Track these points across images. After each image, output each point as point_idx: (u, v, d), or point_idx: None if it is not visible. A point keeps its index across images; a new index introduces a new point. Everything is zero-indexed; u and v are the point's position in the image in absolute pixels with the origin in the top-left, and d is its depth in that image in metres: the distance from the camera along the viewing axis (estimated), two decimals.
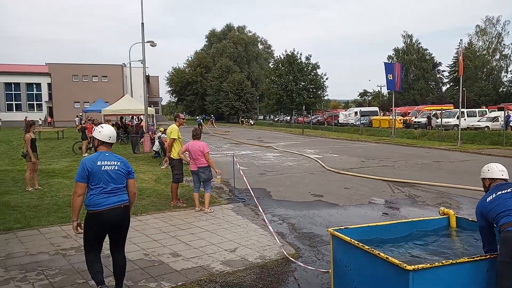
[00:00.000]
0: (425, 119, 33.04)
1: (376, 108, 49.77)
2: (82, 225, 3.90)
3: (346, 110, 51.70)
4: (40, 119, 48.74)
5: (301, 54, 53.98)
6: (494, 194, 3.40)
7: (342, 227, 3.99)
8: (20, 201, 8.20)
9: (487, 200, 3.41)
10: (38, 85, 55.98)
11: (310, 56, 54.15)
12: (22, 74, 54.94)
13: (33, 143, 9.66)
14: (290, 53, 54.08)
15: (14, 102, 55.32)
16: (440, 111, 29.51)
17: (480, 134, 24.02)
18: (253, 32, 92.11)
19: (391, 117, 31.81)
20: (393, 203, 8.67)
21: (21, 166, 13.15)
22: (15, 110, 54.60)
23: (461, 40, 23.44)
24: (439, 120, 28.24)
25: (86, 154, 17.00)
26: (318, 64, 53.97)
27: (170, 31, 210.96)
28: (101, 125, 4.24)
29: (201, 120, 46.34)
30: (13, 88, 55.05)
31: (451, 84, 73.68)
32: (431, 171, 13.14)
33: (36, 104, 56.29)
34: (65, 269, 4.73)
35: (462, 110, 31.97)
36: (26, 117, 47.63)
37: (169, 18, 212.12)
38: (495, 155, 17.43)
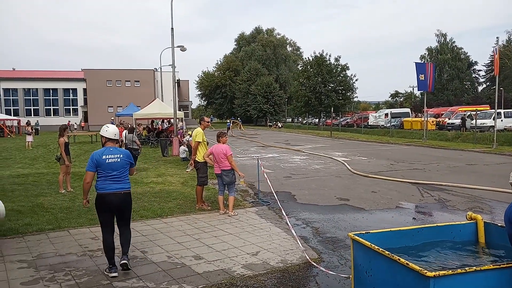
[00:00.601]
0: (459, 120, 31.92)
1: (408, 110, 48.54)
2: (93, 204, 4.97)
3: (376, 112, 50.72)
4: (75, 123, 50.67)
5: (330, 56, 53.41)
6: None
7: (363, 232, 3.91)
8: (53, 203, 8.54)
9: None
10: (74, 91, 58.27)
11: (339, 58, 53.43)
12: (60, 80, 57.38)
13: (66, 146, 10.04)
14: (318, 55, 53.59)
15: (52, 107, 57.83)
16: (475, 112, 28.40)
17: None
18: (282, 34, 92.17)
19: (423, 119, 30.94)
20: (422, 207, 8.42)
21: (56, 169, 13.69)
22: (53, 115, 57.04)
23: (497, 37, 22.65)
24: (473, 121, 27.21)
25: None
26: (347, 65, 53.18)
27: (202, 35, 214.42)
28: (107, 125, 5.17)
29: (231, 124, 46.65)
30: (51, 94, 57.57)
31: (488, 84, 70.90)
32: (463, 174, 12.67)
33: (72, 108, 58.60)
34: (91, 270, 4.89)
35: (499, 110, 30.72)
36: (69, 121, 49.82)
37: (201, 22, 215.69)
38: None
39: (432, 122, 35.04)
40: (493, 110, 25.49)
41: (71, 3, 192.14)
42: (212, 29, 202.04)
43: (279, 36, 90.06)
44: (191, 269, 4.93)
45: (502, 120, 29.75)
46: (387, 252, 3.24)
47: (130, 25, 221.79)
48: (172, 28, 19.91)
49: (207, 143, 9.86)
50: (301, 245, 5.75)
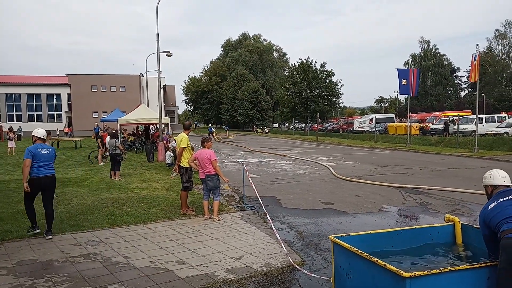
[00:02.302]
0: (442, 125, 32.50)
1: (392, 115, 49.27)
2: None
3: (361, 117, 51.31)
4: (57, 129, 49.91)
5: (315, 62, 53.96)
6: (495, 202, 3.35)
7: (344, 234, 3.97)
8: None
9: (489, 208, 3.36)
10: (58, 96, 57.40)
11: (325, 64, 54.06)
12: (43, 85, 56.48)
13: None
14: (304, 61, 54.08)
15: (35, 113, 56.83)
16: (457, 117, 28.98)
17: (498, 140, 23.51)
18: (268, 40, 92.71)
19: (407, 124, 31.43)
20: (404, 210, 8.55)
21: None
22: (36, 121, 56.05)
23: (477, 44, 23.16)
24: (456, 126, 27.75)
25: (102, 163, 17.32)
26: (333, 71, 53.81)
27: (188, 40, 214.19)
28: (38, 128, 6.98)
29: (213, 129, 46.69)
30: (34, 99, 56.61)
31: (470, 89, 72.46)
32: (446, 178, 12.91)
33: (56, 114, 57.70)
34: (73, 276, 4.83)
35: (480, 116, 31.43)
36: (65, 126, 49.04)
37: (187, 27, 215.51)
38: None
39: (416, 127, 35.60)
40: (475, 116, 26.04)
41: (55, 7, 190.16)
42: (199, 35, 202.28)
43: (265, 42, 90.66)
44: (174, 274, 4.91)
45: (483, 125, 30.43)
46: (365, 254, 3.31)
47: (116, 30, 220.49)
48: (157, 34, 19.87)
49: (193, 148, 9.86)
50: (285, 249, 5.79)
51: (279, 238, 6.17)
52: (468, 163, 17.05)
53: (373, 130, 37.12)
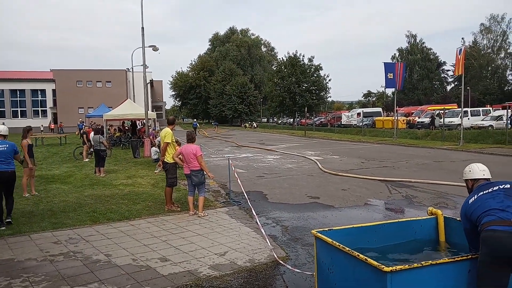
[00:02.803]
0: (428, 119, 32.82)
1: (380, 109, 49.57)
2: None
3: (349, 111, 51.56)
4: (41, 125, 49.10)
5: (303, 56, 53.97)
6: (476, 195, 3.34)
7: (326, 229, 3.93)
8: (14, 207, 8.16)
9: (470, 202, 3.35)
10: (43, 92, 56.40)
11: (313, 58, 54.10)
12: (27, 81, 55.38)
13: (30, 149, 9.67)
14: (292, 55, 54.03)
15: (19, 109, 55.78)
16: (443, 111, 29.28)
17: (483, 133, 23.83)
18: (256, 35, 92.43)
19: (394, 118, 31.65)
20: (389, 204, 8.59)
21: (21, 172, 13.18)
22: (20, 117, 55.04)
23: (462, 38, 23.44)
24: (442, 120, 28.04)
25: (87, 160, 17.06)
26: (320, 65, 53.89)
27: (176, 35, 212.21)
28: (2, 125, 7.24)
29: (197, 124, 46.42)
30: (18, 95, 55.53)
31: (456, 83, 73.30)
32: (431, 170, 13.01)
33: (41, 110, 56.72)
34: (51, 275, 4.71)
35: (466, 109, 31.81)
36: (50, 122, 48.15)
37: (175, 23, 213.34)
38: (498, 154, 17.27)
39: (403, 121, 35.90)
40: (461, 109, 26.33)
41: (40, 2, 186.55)
42: (187, 30, 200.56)
43: (253, 37, 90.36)
44: (156, 272, 4.83)
45: (468, 119, 30.79)
46: (347, 249, 3.27)
47: (102, 25, 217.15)
48: (142, 28, 19.58)
49: (179, 144, 9.75)
50: (269, 244, 5.74)
51: (264, 233, 6.11)
52: (453, 156, 17.23)
53: (361, 124, 37.32)
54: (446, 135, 24.62)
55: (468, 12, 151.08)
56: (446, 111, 30.59)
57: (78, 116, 49.29)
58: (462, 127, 22.54)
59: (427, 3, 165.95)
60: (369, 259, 3.00)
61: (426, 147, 21.50)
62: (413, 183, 10.73)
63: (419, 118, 36.62)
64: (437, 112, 33.32)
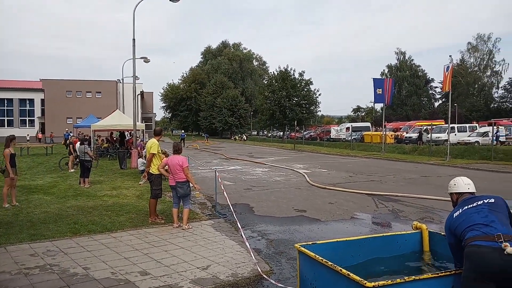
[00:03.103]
0: (416, 134, 33.17)
1: (368, 124, 50.03)
2: None
3: (338, 126, 51.89)
4: (27, 134, 48.44)
5: (294, 71, 54.34)
6: (460, 210, 3.30)
7: (310, 243, 3.85)
8: None
9: (454, 216, 3.31)
10: (31, 101, 55.69)
11: (304, 72, 54.46)
12: (16, 90, 54.68)
13: (12, 158, 9.48)
14: (283, 69, 54.41)
15: (6, 118, 54.95)
16: (431, 127, 29.61)
17: (470, 149, 24.12)
18: (248, 49, 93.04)
19: (382, 133, 31.91)
20: (376, 218, 8.54)
21: (2, 182, 12.89)
22: (7, 126, 54.18)
23: (450, 56, 23.88)
24: (429, 135, 28.34)
25: (72, 170, 16.76)
26: (311, 80, 54.24)
27: (168, 47, 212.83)
28: None
29: (185, 135, 46.15)
30: (5, 104, 54.77)
31: (443, 100, 74.44)
32: (418, 185, 13.05)
33: (29, 120, 55.94)
34: None
35: (453, 125, 32.26)
36: (37, 132, 47.62)
37: (169, 35, 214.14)
38: (483, 170, 17.44)
39: (391, 136, 36.23)
40: (448, 125, 26.67)
41: (32, 12, 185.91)
42: (179, 42, 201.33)
43: (245, 51, 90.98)
44: (135, 285, 4.67)
45: (455, 134, 31.20)
46: (330, 263, 3.19)
47: (96, 35, 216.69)
48: (133, 39, 19.55)
49: (167, 155, 9.63)
50: (254, 258, 5.63)
51: (248, 246, 6.00)
52: (440, 171, 17.34)
53: (350, 138, 37.54)
54: (433, 151, 24.85)
55: (456, 31, 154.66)
56: (434, 127, 30.98)
57: (66, 126, 48.67)
58: (449, 142, 22.79)
59: (416, 21, 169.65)
60: (351, 274, 2.93)
61: (413, 162, 21.64)
62: (400, 197, 10.73)
63: (407, 133, 37.03)
64: (425, 127, 33.72)
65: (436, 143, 28.50)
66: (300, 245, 3.73)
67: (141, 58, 28.26)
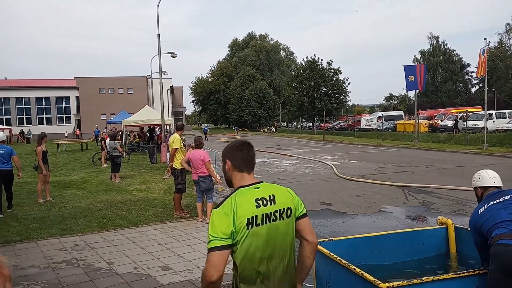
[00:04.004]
0: (452, 122, 31.86)
1: (401, 112, 48.55)
2: None
3: (369, 115, 50.73)
4: (66, 131, 50.40)
5: (322, 60, 53.56)
6: (486, 205, 3.08)
7: (326, 239, 3.74)
8: (27, 213, 8.32)
9: (479, 213, 3.10)
10: (67, 99, 57.85)
11: (332, 62, 53.64)
12: (52, 89, 56.98)
13: (44, 155, 9.83)
14: (311, 59, 53.70)
15: (44, 116, 57.40)
16: (466, 114, 28.37)
17: (509, 137, 22.92)
18: (275, 39, 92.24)
19: (415, 121, 30.89)
20: (405, 211, 8.27)
21: (37, 179, 13.44)
22: (46, 124, 56.61)
23: (485, 38, 22.44)
24: (465, 123, 27.16)
25: (105, 165, 17.27)
26: (339, 69, 53.41)
27: (196, 42, 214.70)
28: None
29: (207, 129, 46.53)
30: (43, 102, 57.19)
31: (481, 85, 71.03)
32: (451, 176, 12.54)
33: (65, 117, 58.20)
34: (51, 283, 4.68)
35: (491, 112, 30.74)
36: (74, 129, 49.62)
37: (196, 30, 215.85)
38: None
39: (425, 124, 34.99)
40: (484, 111, 25.44)
41: (64, 11, 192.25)
42: (206, 36, 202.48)
43: (272, 42, 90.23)
44: (155, 281, 4.73)
45: (494, 121, 29.71)
46: (344, 262, 3.07)
47: (125, 32, 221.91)
48: (158, 35, 19.78)
49: (193, 147, 9.70)
50: None
51: None
52: (476, 160, 16.60)
53: (381, 128, 36.61)
54: (469, 139, 23.81)
55: (492, 12, 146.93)
56: (470, 113, 29.64)
57: (100, 122, 50.30)
58: (485, 130, 21.75)
59: (449, 4, 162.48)
60: (365, 274, 2.80)
61: (448, 151, 20.84)
62: (432, 188, 10.35)
63: (441, 121, 35.62)
64: (461, 115, 32.32)
65: (473, 131, 27.25)
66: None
67: (168, 53, 28.55)
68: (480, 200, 3.29)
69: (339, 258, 3.15)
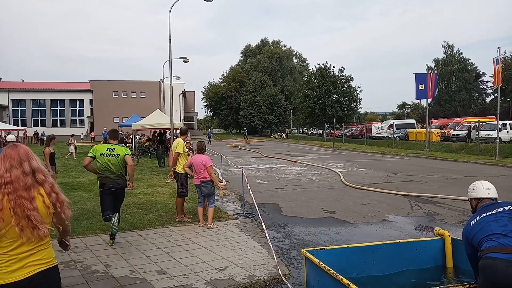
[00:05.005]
0: (464, 131, 31.39)
1: (413, 121, 48.05)
2: None
3: (380, 123, 50.30)
4: (81, 133, 51.16)
5: (334, 67, 53.40)
6: (478, 217, 3.02)
7: (318, 248, 3.71)
8: None
9: (471, 224, 3.04)
10: (81, 101, 58.83)
11: (344, 69, 53.44)
12: (67, 91, 58.03)
13: (52, 157, 9.98)
14: (322, 66, 53.61)
15: (58, 118, 58.38)
16: (478, 123, 27.91)
17: None
18: (288, 46, 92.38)
19: (426, 130, 30.51)
20: (408, 221, 8.14)
21: None
22: (60, 126, 57.55)
23: (498, 48, 22.13)
24: (478, 132, 26.72)
25: None
26: (351, 76, 53.15)
27: (209, 47, 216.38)
28: (10, 135, 8.18)
29: (211, 133, 46.72)
30: (58, 105, 58.20)
31: (496, 95, 69.97)
32: (460, 186, 12.30)
33: (79, 119, 59.11)
34: None
35: (505, 121, 30.23)
36: (87, 131, 50.47)
37: (209, 35, 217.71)
38: None
39: (437, 133, 34.56)
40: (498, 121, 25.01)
41: (81, 16, 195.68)
42: (220, 42, 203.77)
43: (285, 48, 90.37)
44: (150, 285, 4.73)
45: (508, 132, 29.21)
46: (332, 271, 3.04)
47: (139, 36, 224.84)
48: (169, 40, 19.96)
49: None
50: (275, 260, 5.54)
51: (272, 247, 5.91)
52: (487, 171, 16.30)
53: (392, 136, 36.26)
54: (482, 149, 23.41)
55: (508, 21, 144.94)
56: (483, 123, 29.17)
57: (113, 126, 50.93)
58: (498, 140, 21.37)
59: (465, 12, 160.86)
60: (351, 284, 2.77)
61: (459, 161, 20.51)
62: (439, 198, 10.18)
63: (454, 130, 35.13)
64: (474, 124, 31.82)
65: (486, 141, 26.79)
66: (306, 250, 3.61)
67: (180, 58, 28.83)
68: (474, 211, 3.23)
69: (327, 267, 3.12)
